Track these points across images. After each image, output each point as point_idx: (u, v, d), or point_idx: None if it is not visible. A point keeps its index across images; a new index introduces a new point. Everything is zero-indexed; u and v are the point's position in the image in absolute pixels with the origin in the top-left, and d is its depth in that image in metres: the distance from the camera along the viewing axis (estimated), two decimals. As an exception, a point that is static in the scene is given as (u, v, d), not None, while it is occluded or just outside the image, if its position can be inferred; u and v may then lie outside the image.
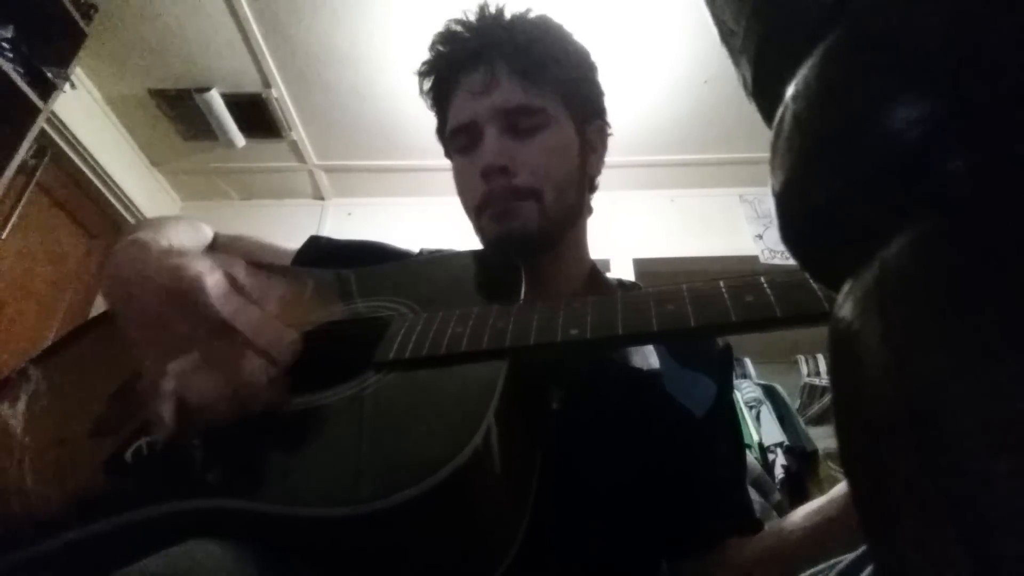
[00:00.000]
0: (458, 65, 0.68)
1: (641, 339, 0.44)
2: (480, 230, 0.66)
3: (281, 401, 0.43)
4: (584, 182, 0.69)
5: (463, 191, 0.67)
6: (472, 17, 0.68)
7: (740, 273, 0.43)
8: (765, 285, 0.39)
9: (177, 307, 0.44)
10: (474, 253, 0.62)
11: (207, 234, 0.71)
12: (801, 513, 0.52)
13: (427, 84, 0.71)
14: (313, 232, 0.83)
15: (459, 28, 0.68)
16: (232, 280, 0.45)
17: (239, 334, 0.42)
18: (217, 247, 0.72)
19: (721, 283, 0.41)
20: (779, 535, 0.53)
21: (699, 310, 0.40)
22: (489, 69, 0.64)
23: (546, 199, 0.63)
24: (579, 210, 0.69)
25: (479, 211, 0.65)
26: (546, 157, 0.64)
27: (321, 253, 0.73)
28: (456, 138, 0.68)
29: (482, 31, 0.67)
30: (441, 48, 0.69)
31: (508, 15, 0.68)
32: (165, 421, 0.42)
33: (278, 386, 0.43)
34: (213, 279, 0.44)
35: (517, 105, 0.63)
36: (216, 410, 0.42)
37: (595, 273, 0.73)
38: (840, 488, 0.50)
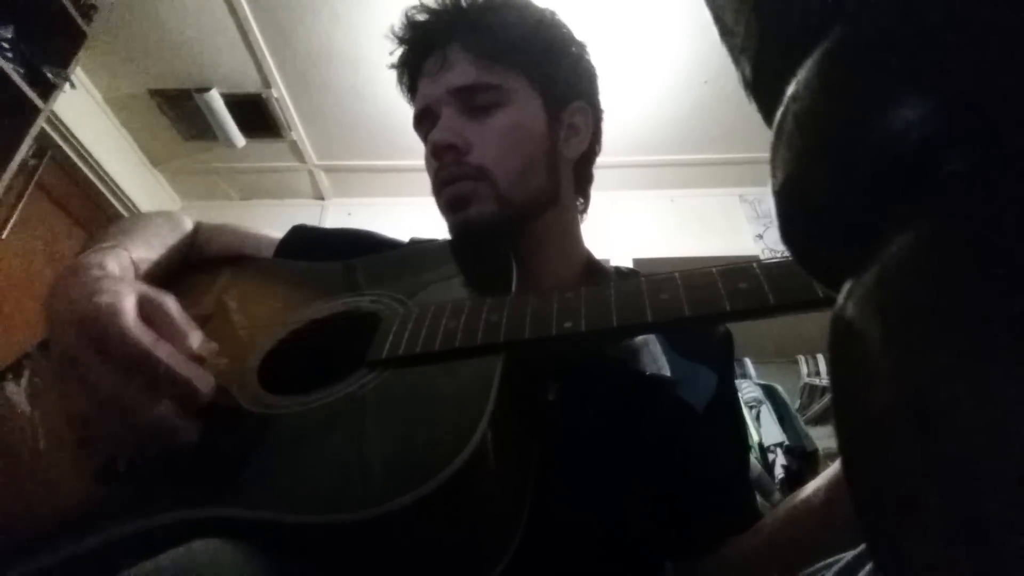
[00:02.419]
0: (417, 53, 0.67)
1: (636, 330, 0.43)
2: (446, 221, 0.64)
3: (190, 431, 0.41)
4: (558, 165, 0.65)
5: (430, 177, 0.66)
6: (431, 2, 0.67)
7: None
8: (758, 272, 0.39)
9: (89, 336, 0.42)
10: (464, 243, 0.61)
11: (186, 226, 0.70)
12: (795, 502, 0.51)
13: (401, 78, 0.70)
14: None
15: (416, 16, 0.67)
16: (154, 308, 0.44)
17: (151, 363, 0.40)
18: (199, 238, 0.71)
19: (715, 270, 0.41)
20: (777, 527, 0.53)
21: (693, 299, 0.40)
22: (442, 51, 0.63)
23: (499, 181, 0.60)
24: (552, 194, 0.64)
25: (436, 195, 0.64)
26: (501, 136, 0.61)
27: (306, 243, 0.70)
28: (420, 126, 0.67)
29: (437, 15, 0.66)
30: (401, 38, 0.68)
31: None
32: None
33: (189, 423, 0.41)
34: (128, 303, 0.43)
35: (467, 83, 0.62)
36: (123, 445, 0.42)
37: (591, 264, 0.71)
38: (824, 476, 0.48)
